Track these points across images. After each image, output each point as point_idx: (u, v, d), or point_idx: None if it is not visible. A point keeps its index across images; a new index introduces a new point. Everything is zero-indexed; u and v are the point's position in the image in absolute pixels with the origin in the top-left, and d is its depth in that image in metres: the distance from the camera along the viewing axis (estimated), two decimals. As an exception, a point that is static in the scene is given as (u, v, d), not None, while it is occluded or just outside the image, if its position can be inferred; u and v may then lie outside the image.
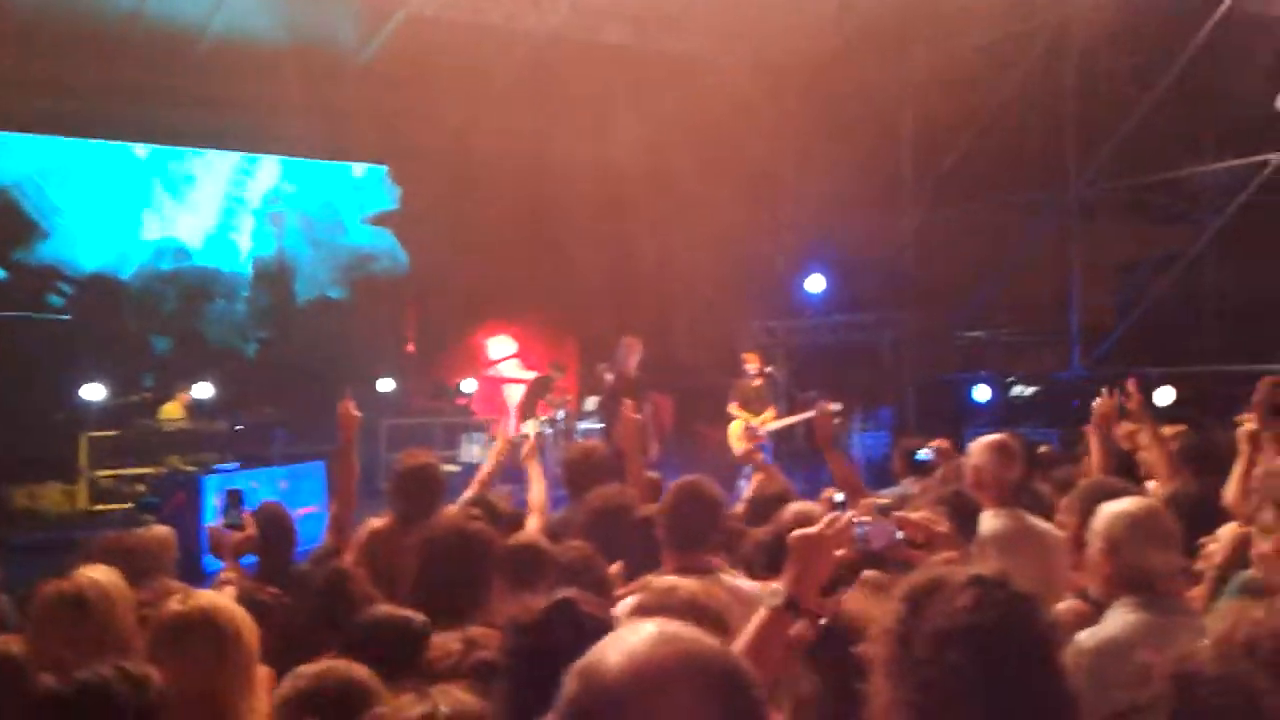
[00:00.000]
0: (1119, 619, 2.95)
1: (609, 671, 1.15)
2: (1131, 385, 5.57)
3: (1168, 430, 5.67)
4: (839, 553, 2.21)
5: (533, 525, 4.60)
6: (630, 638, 1.17)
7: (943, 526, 2.58)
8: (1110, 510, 3.10)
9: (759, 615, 2.17)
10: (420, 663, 2.49)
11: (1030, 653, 1.63)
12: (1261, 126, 11.25)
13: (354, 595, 3.42)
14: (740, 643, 2.13)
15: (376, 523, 4.62)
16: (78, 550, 3.96)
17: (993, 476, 4.56)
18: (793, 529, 2.23)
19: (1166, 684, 1.75)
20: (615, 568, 3.63)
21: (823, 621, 2.16)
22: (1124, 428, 5.72)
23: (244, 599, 3.53)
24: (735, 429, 11.18)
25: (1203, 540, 3.84)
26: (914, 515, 2.43)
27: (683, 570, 3.45)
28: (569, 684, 1.17)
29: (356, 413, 4.90)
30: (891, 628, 1.69)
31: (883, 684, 1.67)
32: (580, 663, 1.18)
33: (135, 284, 14.48)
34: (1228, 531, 3.80)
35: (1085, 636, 2.92)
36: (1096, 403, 5.50)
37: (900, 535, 2.36)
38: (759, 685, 1.19)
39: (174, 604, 2.71)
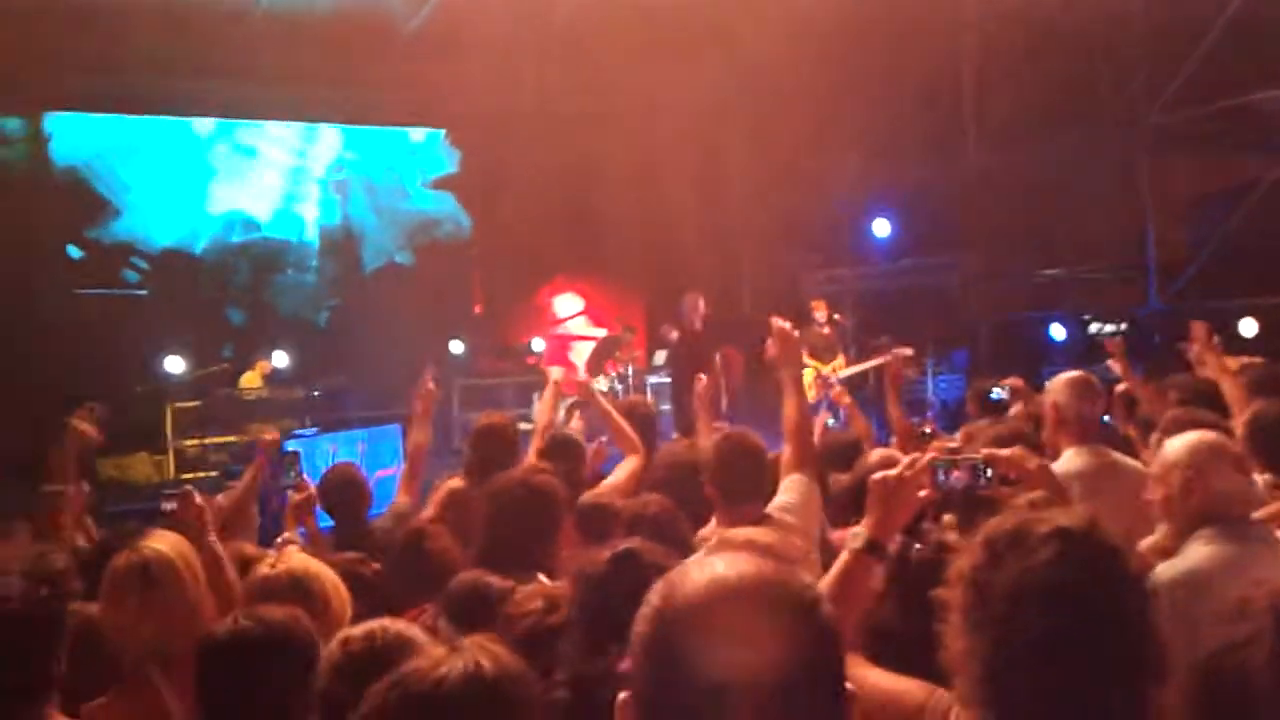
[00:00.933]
0: (1197, 551, 2.90)
1: (690, 585, 1.16)
2: (1197, 329, 5.48)
3: (1238, 361, 5.54)
4: (922, 494, 2.23)
5: (629, 466, 4.60)
6: (712, 561, 1.18)
7: (1033, 463, 2.52)
8: (1176, 441, 3.06)
9: (842, 557, 2.20)
10: (497, 621, 2.53)
11: (1112, 612, 1.57)
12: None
13: (433, 552, 3.48)
14: (825, 583, 2.17)
15: (455, 482, 4.69)
16: (156, 519, 4.09)
17: (1074, 413, 4.47)
18: (875, 473, 2.24)
19: (1267, 616, 1.71)
20: (709, 527, 3.64)
21: (915, 551, 2.17)
22: (1228, 363, 5.58)
23: (344, 569, 3.61)
24: (807, 377, 11.10)
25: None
26: (1003, 452, 2.38)
27: (734, 522, 3.47)
28: (651, 598, 1.18)
29: (433, 387, 5.03)
30: (969, 575, 1.64)
31: (957, 631, 1.64)
32: (663, 580, 1.19)
33: (207, 257, 14.77)
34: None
35: (1164, 569, 2.88)
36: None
37: (989, 473, 2.33)
38: (835, 616, 1.18)
39: (263, 568, 2.79)
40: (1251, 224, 12.07)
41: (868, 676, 2.05)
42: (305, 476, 4.38)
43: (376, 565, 3.57)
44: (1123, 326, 13.04)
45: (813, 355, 11.17)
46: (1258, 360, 5.66)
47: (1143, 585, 1.63)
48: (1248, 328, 10.49)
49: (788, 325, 3.77)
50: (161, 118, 14.48)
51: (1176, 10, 11.89)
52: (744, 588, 1.14)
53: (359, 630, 2.14)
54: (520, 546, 3.23)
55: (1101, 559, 1.60)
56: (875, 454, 3.79)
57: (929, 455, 2.32)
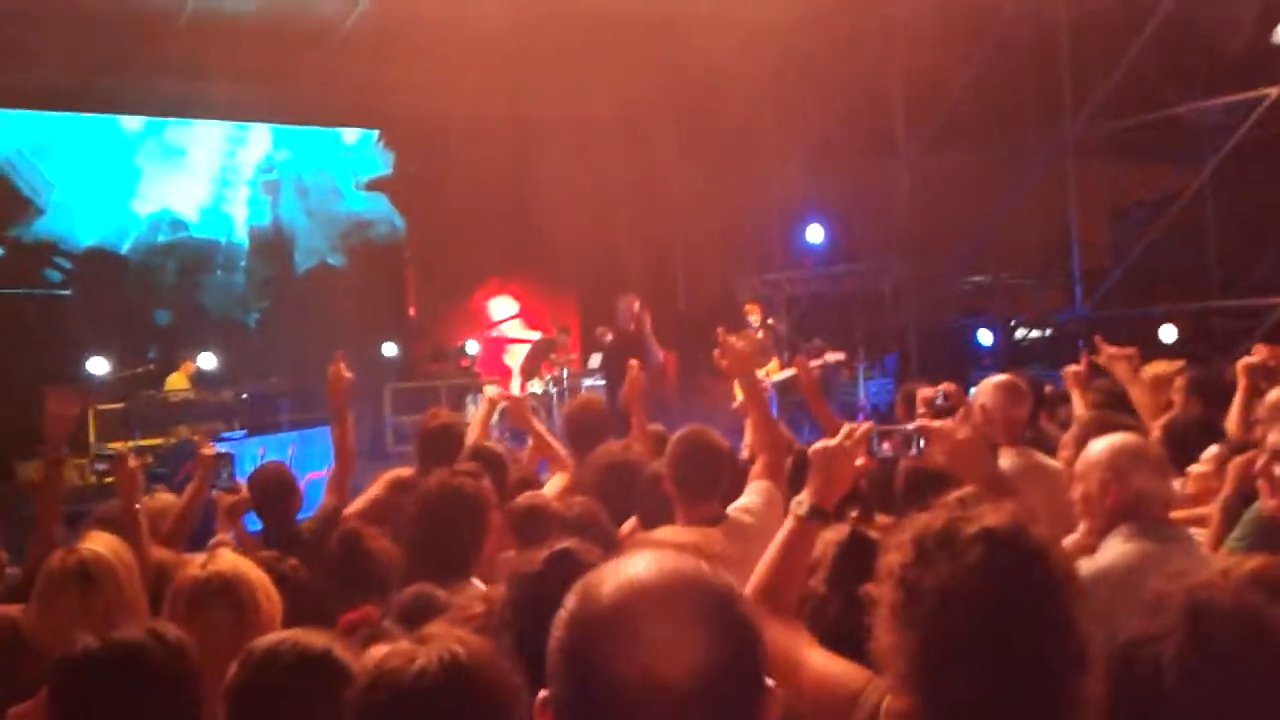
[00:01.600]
0: (1115, 548, 2.98)
1: (604, 586, 1.16)
2: (1098, 341, 5.68)
3: (1166, 366, 5.69)
4: (859, 462, 2.33)
5: (559, 483, 4.58)
6: (627, 563, 1.18)
7: (963, 433, 2.57)
8: (1097, 442, 3.13)
9: (786, 524, 2.27)
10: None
11: (1037, 612, 1.59)
12: (1257, 61, 11.14)
13: (372, 552, 3.44)
14: (770, 552, 2.26)
15: (400, 472, 4.65)
16: (86, 522, 4.01)
17: (1002, 415, 4.57)
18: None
19: (1179, 615, 1.75)
20: (628, 525, 3.64)
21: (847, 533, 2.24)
22: (1151, 370, 5.73)
23: (269, 568, 3.56)
24: (738, 384, 11.16)
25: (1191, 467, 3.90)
26: (935, 423, 2.44)
27: (693, 521, 3.51)
28: (567, 603, 1.18)
29: (348, 374, 4.90)
30: (898, 574, 1.66)
31: (886, 626, 1.67)
32: (579, 583, 1.20)
33: (133, 257, 14.47)
34: (1210, 454, 3.84)
35: (1082, 566, 2.95)
36: (1068, 370, 5.66)
37: (921, 443, 2.40)
38: (750, 607, 1.19)
39: (192, 569, 2.72)
40: (1173, 233, 12.40)
41: (809, 657, 2.09)
42: (237, 479, 4.32)
43: (294, 561, 3.54)
44: (1047, 332, 13.35)
45: None
46: (1182, 363, 5.81)
47: (1067, 584, 1.65)
48: (1168, 334, 10.78)
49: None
50: (87, 115, 14.17)
51: (1101, 22, 12.18)
52: (658, 587, 1.14)
53: (263, 642, 2.07)
54: (447, 549, 3.21)
55: (1027, 560, 1.62)
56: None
57: (865, 425, 2.39)
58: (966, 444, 2.61)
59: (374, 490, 4.54)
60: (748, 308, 11.61)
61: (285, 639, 2.07)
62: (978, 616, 1.57)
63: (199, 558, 3.01)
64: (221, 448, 9.05)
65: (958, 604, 1.58)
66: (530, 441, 5.20)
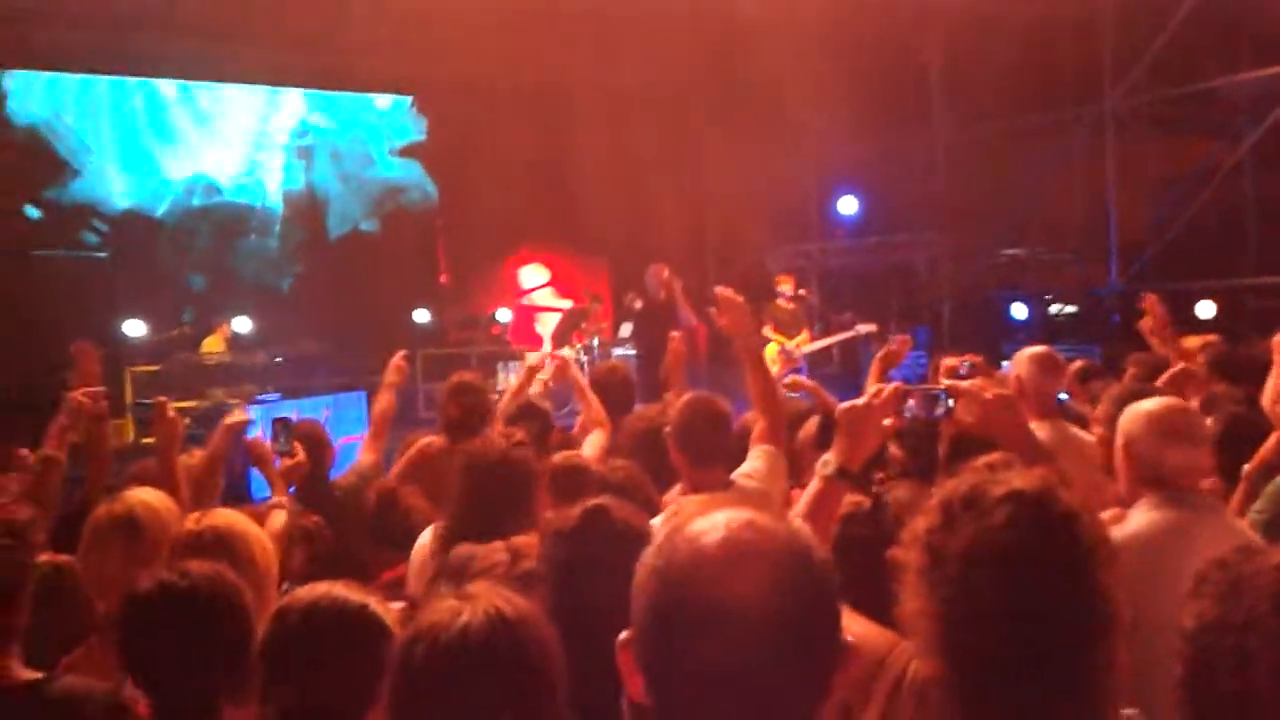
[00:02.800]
0: (1140, 517, 2.95)
1: (693, 532, 1.19)
2: (1151, 304, 5.58)
3: (1196, 340, 5.64)
4: (886, 422, 2.31)
5: (598, 440, 4.60)
6: (713, 513, 1.21)
7: (991, 393, 2.53)
8: (1129, 410, 3.10)
9: (813, 484, 2.26)
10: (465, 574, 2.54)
11: (1066, 575, 1.57)
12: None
13: (408, 511, 3.47)
14: (796, 511, 2.23)
15: (429, 439, 4.69)
16: (125, 479, 4.07)
17: (1034, 388, 4.54)
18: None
19: (1269, 601, 1.69)
20: (675, 491, 3.64)
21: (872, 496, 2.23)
22: (1184, 343, 5.68)
23: (295, 526, 3.60)
24: (770, 352, 11.15)
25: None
26: (964, 383, 2.41)
27: (699, 487, 3.51)
28: (655, 542, 1.21)
29: (404, 364, 5.05)
30: (924, 538, 1.65)
31: (912, 591, 1.65)
32: (668, 527, 1.22)
33: (169, 221, 14.57)
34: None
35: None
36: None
37: (950, 403, 2.37)
38: (829, 562, 1.22)
39: (188, 523, 2.75)
40: (1211, 208, 12.25)
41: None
42: (297, 443, 4.36)
43: (316, 514, 3.59)
44: (1077, 307, 13.22)
45: (778, 330, 11.21)
46: (1214, 339, 5.75)
47: (1097, 547, 1.62)
48: (1205, 310, 10.67)
49: (730, 292, 3.78)
50: (124, 78, 14.25)
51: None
52: (744, 532, 1.18)
53: (300, 601, 2.09)
54: (494, 518, 3.22)
55: (1055, 522, 1.60)
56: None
57: (893, 385, 2.37)
58: (995, 403, 2.57)
59: (401, 465, 4.57)
60: (780, 279, 11.55)
61: (323, 594, 2.09)
62: (1003, 577, 1.56)
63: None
64: (256, 410, 9.16)
65: (983, 565, 1.56)
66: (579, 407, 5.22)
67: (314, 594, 2.10)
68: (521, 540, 2.50)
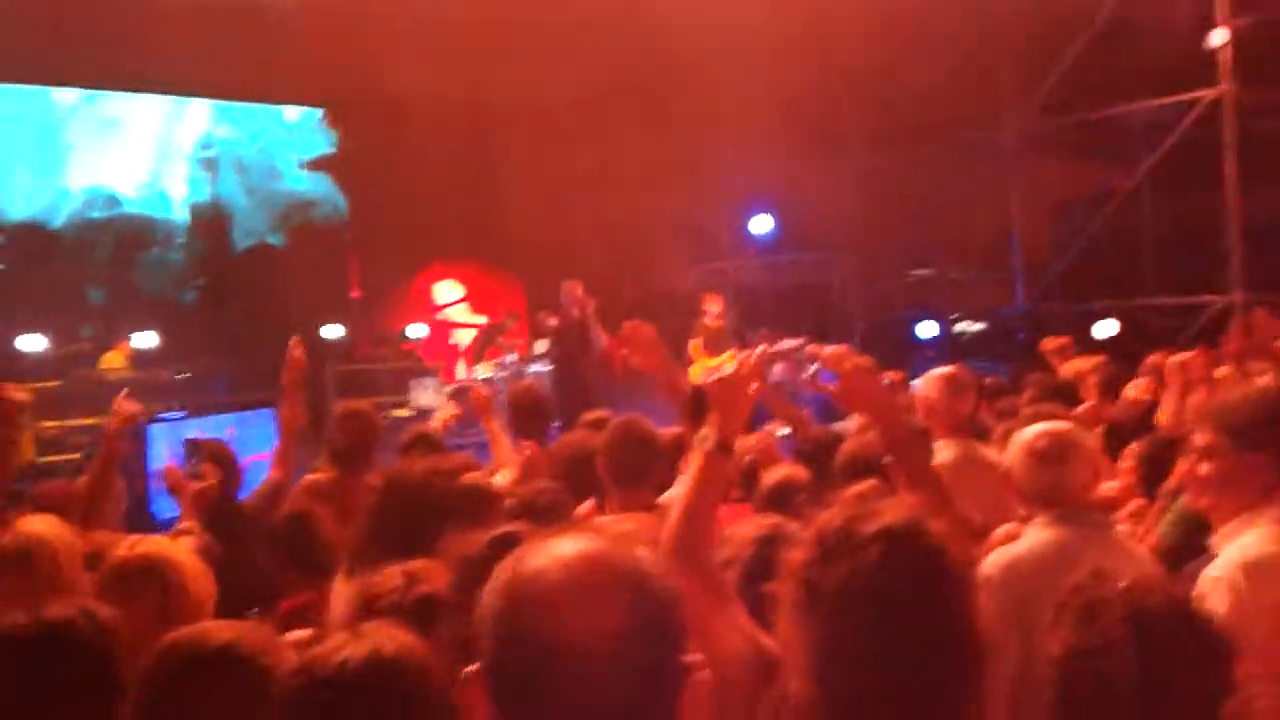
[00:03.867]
0: (1031, 536, 3.06)
1: (530, 561, 1.23)
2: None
3: (1083, 362, 5.83)
4: (753, 388, 2.35)
5: (507, 478, 4.57)
6: (553, 541, 1.25)
7: (851, 363, 2.54)
8: (1029, 430, 3.22)
9: (694, 459, 2.28)
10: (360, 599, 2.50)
11: (935, 611, 1.62)
12: (1194, 64, 11.37)
13: (319, 535, 3.40)
14: (683, 489, 2.26)
15: (315, 476, 4.62)
16: (22, 502, 3.92)
17: (943, 407, 4.64)
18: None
19: (1121, 626, 1.77)
20: (585, 507, 3.64)
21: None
22: (1071, 365, 5.86)
23: (204, 550, 3.50)
24: (695, 372, 11.21)
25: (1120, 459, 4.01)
26: (827, 348, 2.42)
27: (626, 507, 3.53)
28: (496, 574, 1.25)
29: (303, 357, 4.89)
30: (800, 571, 1.68)
31: (787, 621, 1.69)
32: (509, 557, 1.26)
33: (67, 233, 14.14)
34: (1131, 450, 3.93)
35: (998, 554, 3.04)
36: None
37: (814, 368, 2.35)
38: (669, 584, 1.25)
39: (121, 550, 2.68)
40: (1111, 230, 12.65)
41: (732, 620, 2.11)
42: (208, 464, 4.24)
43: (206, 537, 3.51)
44: (983, 326, 13.55)
45: (706, 348, 11.29)
46: (1102, 359, 5.98)
47: (964, 583, 1.68)
48: (1106, 328, 11.00)
49: (640, 326, 3.79)
50: (20, 86, 13.81)
51: (1043, 22, 12.35)
52: (579, 560, 1.22)
53: (167, 642, 2.03)
54: (402, 542, 3.16)
55: (923, 559, 1.64)
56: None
57: (758, 350, 2.39)
58: (855, 371, 2.58)
59: (292, 501, 4.45)
60: (708, 298, 11.61)
61: (190, 633, 2.05)
62: (873, 615, 1.60)
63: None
64: (157, 428, 8.89)
65: (855, 603, 1.60)
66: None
67: (184, 633, 2.05)
68: (419, 564, 2.47)
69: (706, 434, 2.26)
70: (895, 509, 1.70)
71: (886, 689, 1.59)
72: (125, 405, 4.20)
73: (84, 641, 2.13)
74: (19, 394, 4.17)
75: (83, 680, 2.09)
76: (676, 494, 2.30)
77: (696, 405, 2.84)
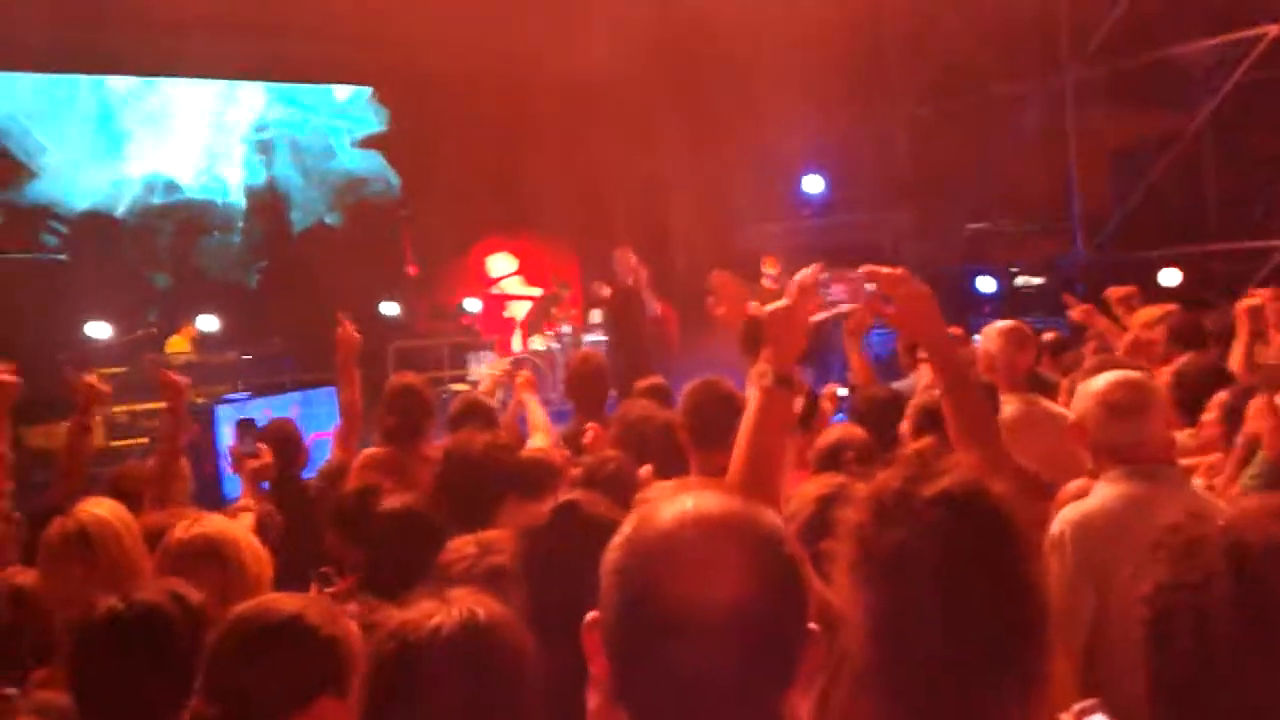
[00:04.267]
0: (1101, 491, 2.99)
1: (661, 516, 1.20)
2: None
3: (1155, 310, 5.71)
4: (814, 317, 2.27)
5: (540, 442, 4.62)
6: (685, 496, 1.23)
7: (916, 285, 2.43)
8: (1080, 388, 3.16)
9: (754, 395, 2.22)
10: (434, 567, 2.54)
11: (993, 577, 1.60)
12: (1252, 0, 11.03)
13: (380, 507, 3.46)
14: (744, 427, 2.21)
15: (373, 450, 4.66)
16: (98, 486, 4.03)
17: (1005, 362, 4.59)
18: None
19: (1222, 558, 1.75)
20: (643, 472, 3.66)
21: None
22: (1141, 315, 5.74)
23: (263, 525, 3.58)
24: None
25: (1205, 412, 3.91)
26: (884, 269, 2.32)
27: (707, 470, 3.52)
28: (624, 526, 1.23)
29: (355, 335, 4.94)
30: (856, 532, 1.66)
31: (846, 582, 1.67)
32: (637, 510, 1.24)
33: (129, 220, 14.40)
34: (1216, 401, 3.85)
35: (1070, 509, 2.98)
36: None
37: (870, 287, 2.29)
38: (800, 555, 1.23)
39: (179, 530, 2.73)
40: (1172, 176, 12.34)
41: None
42: (263, 444, 4.33)
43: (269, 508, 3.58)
44: (1043, 279, 13.31)
45: None
46: (1173, 308, 5.83)
47: (1027, 545, 1.65)
48: (1170, 278, 10.76)
49: (727, 278, 3.77)
50: (78, 76, 14.04)
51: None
52: (711, 518, 1.19)
53: (233, 615, 2.06)
54: (468, 510, 3.21)
55: (985, 522, 1.62)
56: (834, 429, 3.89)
57: (811, 271, 2.29)
58: (918, 296, 2.45)
59: (352, 477, 4.49)
60: (765, 259, 11.55)
61: (257, 605, 2.08)
62: (933, 580, 1.58)
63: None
64: (225, 410, 9.07)
65: (914, 567, 1.58)
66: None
67: (249, 606, 2.07)
68: (491, 534, 2.50)
69: (764, 369, 2.19)
70: (955, 470, 1.67)
71: (948, 654, 1.57)
72: (171, 379, 4.28)
73: (176, 624, 2.18)
74: (98, 384, 4.29)
75: (175, 663, 2.13)
76: (738, 443, 2.23)
77: (751, 339, 2.79)
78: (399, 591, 2.03)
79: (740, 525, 1.20)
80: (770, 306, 2.25)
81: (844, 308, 2.34)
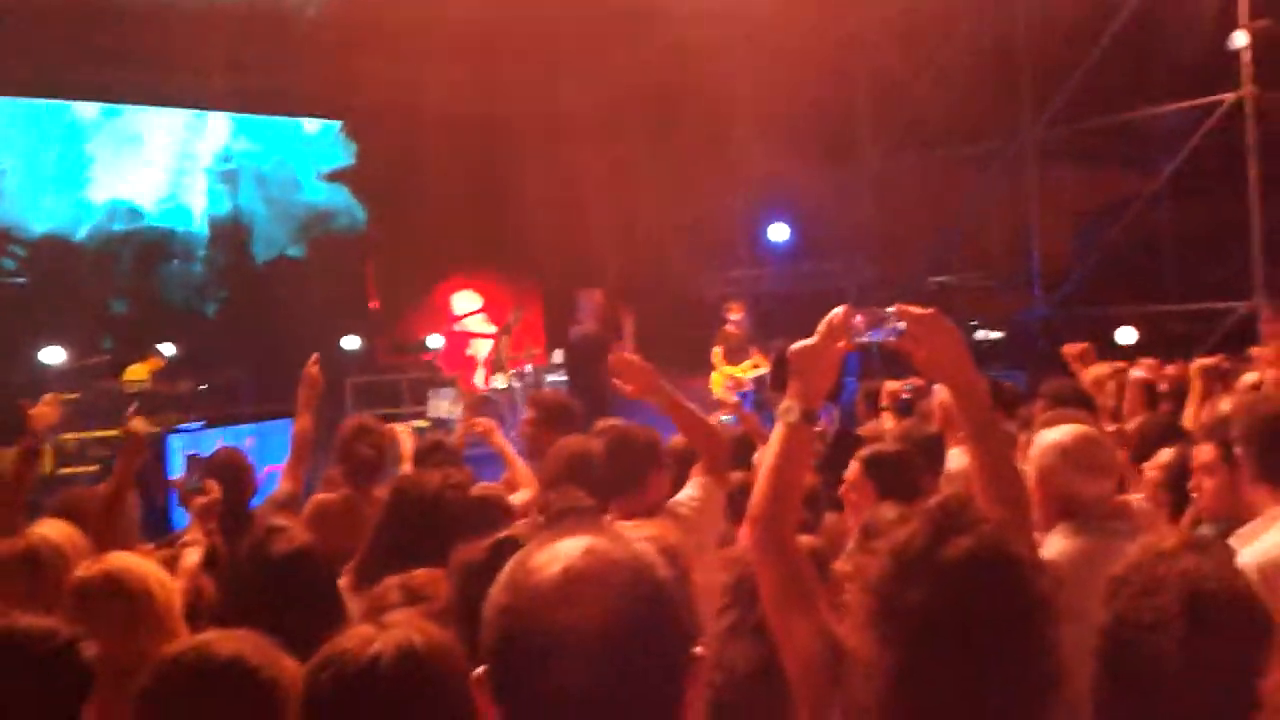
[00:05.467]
0: (1056, 544, 2.98)
1: (531, 562, 1.23)
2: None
3: (1103, 368, 5.77)
4: (840, 345, 2.21)
5: (524, 498, 4.53)
6: (554, 540, 1.25)
7: (946, 323, 2.30)
8: (1042, 438, 3.13)
9: (778, 432, 2.17)
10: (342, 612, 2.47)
11: (1020, 637, 1.59)
12: (1214, 67, 11.27)
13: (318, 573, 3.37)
14: (766, 461, 2.18)
15: (324, 497, 4.60)
16: (40, 513, 3.94)
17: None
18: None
19: (1178, 602, 1.75)
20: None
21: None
22: (1091, 372, 5.80)
23: (209, 559, 3.51)
24: (717, 380, 11.27)
25: (1145, 466, 3.95)
26: (915, 309, 2.24)
27: (626, 513, 3.58)
28: (500, 576, 1.25)
29: (319, 376, 4.91)
30: (877, 587, 1.64)
31: (863, 634, 1.66)
32: (512, 559, 1.26)
33: (89, 246, 14.25)
34: (1162, 460, 3.88)
35: None
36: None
37: (901, 325, 2.22)
38: (679, 587, 1.24)
39: (80, 570, 2.66)
40: (1131, 236, 12.55)
41: (815, 607, 2.02)
42: (211, 480, 4.26)
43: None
44: (1002, 334, 13.47)
45: (727, 355, 11.33)
46: (1123, 365, 5.91)
47: (1048, 610, 1.64)
48: (1126, 335, 10.91)
49: (630, 358, 3.80)
50: (41, 101, 13.94)
51: (1060, 27, 12.29)
52: (582, 552, 1.21)
53: (167, 656, 2.00)
54: (411, 554, 3.14)
55: (1009, 587, 1.61)
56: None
57: (841, 310, 2.23)
58: (948, 337, 2.29)
59: (304, 517, 4.38)
60: (730, 305, 11.65)
61: (191, 645, 2.02)
62: (955, 644, 1.57)
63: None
64: (178, 440, 8.92)
65: (936, 629, 1.58)
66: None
67: (183, 646, 2.02)
68: (421, 577, 2.44)
69: (789, 404, 2.16)
70: (978, 526, 1.65)
71: (966, 714, 1.57)
72: (134, 427, 4.20)
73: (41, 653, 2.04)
74: (51, 410, 4.21)
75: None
76: (760, 467, 2.21)
77: (780, 375, 2.75)
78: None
79: (610, 563, 1.21)
80: (798, 345, 2.22)
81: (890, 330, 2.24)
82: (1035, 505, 3.02)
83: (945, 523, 1.66)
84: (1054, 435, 3.11)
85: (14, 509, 3.93)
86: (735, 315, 11.51)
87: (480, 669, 1.22)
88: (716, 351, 11.39)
